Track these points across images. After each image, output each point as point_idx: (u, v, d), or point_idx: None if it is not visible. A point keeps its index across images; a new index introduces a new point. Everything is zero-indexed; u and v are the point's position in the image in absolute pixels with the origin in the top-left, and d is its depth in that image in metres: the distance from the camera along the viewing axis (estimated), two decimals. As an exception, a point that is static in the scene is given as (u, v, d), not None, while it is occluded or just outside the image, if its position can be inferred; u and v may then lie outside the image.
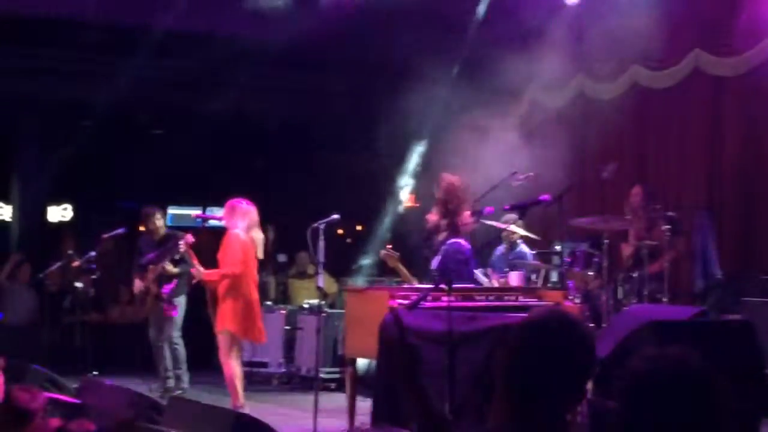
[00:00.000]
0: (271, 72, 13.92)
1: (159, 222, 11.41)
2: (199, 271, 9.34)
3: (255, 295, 9.45)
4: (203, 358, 11.94)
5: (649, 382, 2.52)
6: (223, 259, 9.28)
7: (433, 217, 8.66)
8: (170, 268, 11.05)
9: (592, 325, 7.97)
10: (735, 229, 11.03)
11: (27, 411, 4.81)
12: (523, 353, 2.81)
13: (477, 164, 10.67)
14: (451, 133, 12.13)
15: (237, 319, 9.24)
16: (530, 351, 2.80)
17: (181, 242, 9.74)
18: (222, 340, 9.26)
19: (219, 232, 9.86)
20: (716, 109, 11.38)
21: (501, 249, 10.62)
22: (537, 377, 2.76)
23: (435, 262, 8.39)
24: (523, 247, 10.45)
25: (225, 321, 9.23)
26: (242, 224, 9.30)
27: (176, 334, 11.09)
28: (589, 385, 6.75)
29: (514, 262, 9.98)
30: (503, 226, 9.39)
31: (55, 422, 4.10)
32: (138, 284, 11.22)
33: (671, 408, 2.46)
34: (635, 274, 9.77)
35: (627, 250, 10.31)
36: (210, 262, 9.57)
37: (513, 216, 9.80)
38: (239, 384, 9.27)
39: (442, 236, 8.46)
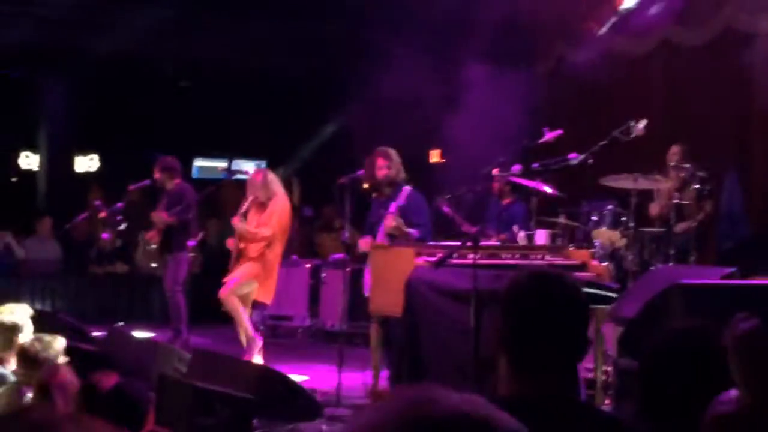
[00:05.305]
0: (296, 23, 13.82)
1: (156, 175, 11.26)
2: (244, 227, 9.41)
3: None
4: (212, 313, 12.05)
5: (667, 354, 2.70)
6: (268, 221, 9.38)
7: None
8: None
9: (618, 285, 7.87)
10: (764, 188, 10.92)
11: (36, 358, 5.16)
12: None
13: (500, 121, 10.56)
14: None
15: (269, 279, 9.47)
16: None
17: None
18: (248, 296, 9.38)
19: (244, 186, 9.87)
20: (746, 67, 11.22)
21: (498, 205, 10.29)
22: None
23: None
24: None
25: (257, 278, 9.37)
26: (280, 190, 9.47)
27: (178, 288, 11.08)
28: (615, 346, 6.72)
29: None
30: (533, 184, 9.25)
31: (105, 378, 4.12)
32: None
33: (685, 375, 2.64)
34: (663, 234, 9.68)
35: (655, 209, 10.20)
36: (232, 215, 9.61)
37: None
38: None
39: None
